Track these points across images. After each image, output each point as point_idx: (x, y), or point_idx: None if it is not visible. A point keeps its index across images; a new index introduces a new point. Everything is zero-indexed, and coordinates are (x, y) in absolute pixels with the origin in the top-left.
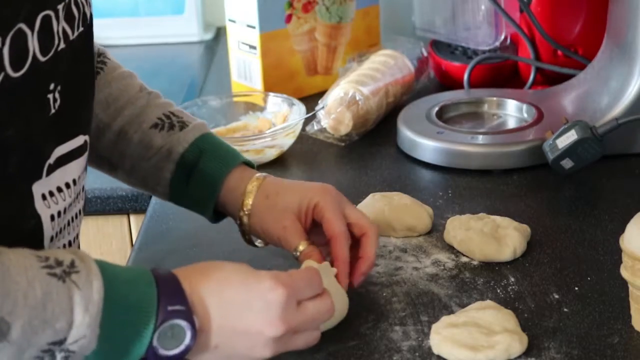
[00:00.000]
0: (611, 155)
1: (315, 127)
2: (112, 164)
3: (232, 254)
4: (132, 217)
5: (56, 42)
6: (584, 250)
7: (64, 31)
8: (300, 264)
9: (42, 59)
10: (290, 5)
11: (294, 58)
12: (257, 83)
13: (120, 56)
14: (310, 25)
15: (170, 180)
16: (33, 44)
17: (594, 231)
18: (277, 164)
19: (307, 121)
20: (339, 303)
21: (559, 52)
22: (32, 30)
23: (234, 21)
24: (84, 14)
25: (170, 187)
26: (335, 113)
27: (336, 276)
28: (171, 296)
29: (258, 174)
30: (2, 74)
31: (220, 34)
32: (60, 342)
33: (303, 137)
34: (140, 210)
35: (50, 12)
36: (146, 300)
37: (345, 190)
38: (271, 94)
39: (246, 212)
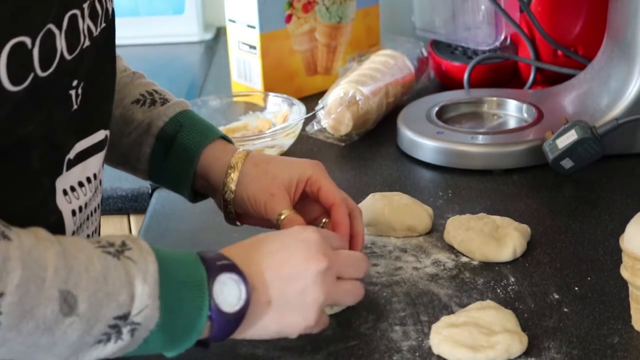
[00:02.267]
0: (611, 155)
1: (315, 127)
2: None
3: None
4: (132, 217)
5: (82, 40)
6: (584, 250)
7: (89, 29)
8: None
9: (68, 57)
10: (290, 5)
11: (294, 58)
12: (257, 83)
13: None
14: (310, 25)
15: (149, 155)
16: (61, 43)
17: (594, 231)
18: None
19: (307, 121)
20: None
21: (559, 52)
22: (60, 30)
23: (234, 21)
24: (107, 9)
25: (149, 162)
26: (335, 113)
27: None
28: (216, 258)
29: (241, 149)
30: (32, 74)
31: (220, 34)
32: (125, 317)
33: (303, 137)
34: (140, 210)
35: (77, 11)
36: (196, 276)
37: (346, 190)
38: (271, 94)
39: (234, 180)
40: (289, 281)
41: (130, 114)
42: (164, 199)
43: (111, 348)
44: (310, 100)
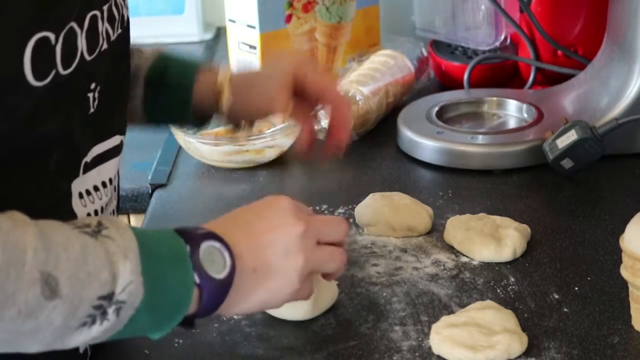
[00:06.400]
0: (611, 155)
1: (315, 127)
2: None
3: None
4: (132, 217)
5: (100, 42)
6: (584, 250)
7: (107, 32)
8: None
9: (88, 58)
10: (290, 5)
11: None
12: None
13: None
14: (310, 25)
15: (142, 105)
16: (81, 43)
17: (594, 231)
18: (277, 164)
19: None
20: (329, 288)
21: (559, 52)
22: (82, 29)
23: (234, 21)
24: (122, 16)
25: (144, 111)
26: None
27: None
28: (195, 228)
29: (222, 72)
30: (54, 71)
31: (220, 34)
32: (110, 296)
33: None
34: (140, 210)
35: (97, 12)
36: (177, 249)
37: (345, 190)
38: None
39: (226, 102)
40: (269, 248)
41: None
42: (164, 199)
43: (96, 330)
44: None
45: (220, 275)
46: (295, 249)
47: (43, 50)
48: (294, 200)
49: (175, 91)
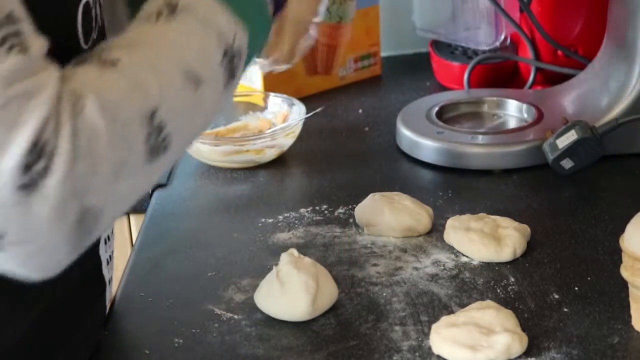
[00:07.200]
0: (611, 155)
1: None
2: None
3: (232, 254)
4: (132, 217)
5: (99, 9)
6: (584, 250)
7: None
8: None
9: (100, 24)
10: None
11: None
12: (257, 83)
13: None
14: None
15: None
16: (98, 9)
17: (594, 231)
18: (277, 164)
19: (307, 121)
20: (328, 289)
21: (559, 52)
22: None
23: None
24: None
25: None
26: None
27: None
28: None
29: None
30: (93, 34)
31: None
32: (227, 52)
33: (303, 137)
34: (140, 210)
35: None
36: None
37: (345, 190)
38: (271, 94)
39: None
40: None
41: None
42: (164, 199)
43: (236, 81)
44: (310, 100)
45: None
46: None
47: (87, 15)
48: None
49: None
